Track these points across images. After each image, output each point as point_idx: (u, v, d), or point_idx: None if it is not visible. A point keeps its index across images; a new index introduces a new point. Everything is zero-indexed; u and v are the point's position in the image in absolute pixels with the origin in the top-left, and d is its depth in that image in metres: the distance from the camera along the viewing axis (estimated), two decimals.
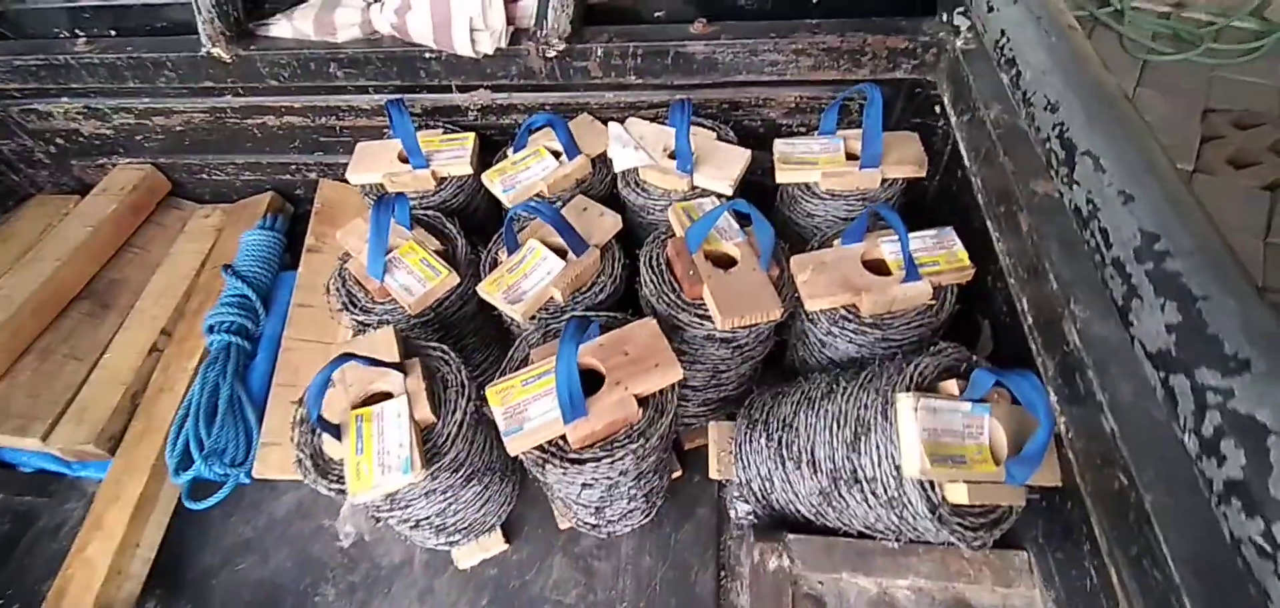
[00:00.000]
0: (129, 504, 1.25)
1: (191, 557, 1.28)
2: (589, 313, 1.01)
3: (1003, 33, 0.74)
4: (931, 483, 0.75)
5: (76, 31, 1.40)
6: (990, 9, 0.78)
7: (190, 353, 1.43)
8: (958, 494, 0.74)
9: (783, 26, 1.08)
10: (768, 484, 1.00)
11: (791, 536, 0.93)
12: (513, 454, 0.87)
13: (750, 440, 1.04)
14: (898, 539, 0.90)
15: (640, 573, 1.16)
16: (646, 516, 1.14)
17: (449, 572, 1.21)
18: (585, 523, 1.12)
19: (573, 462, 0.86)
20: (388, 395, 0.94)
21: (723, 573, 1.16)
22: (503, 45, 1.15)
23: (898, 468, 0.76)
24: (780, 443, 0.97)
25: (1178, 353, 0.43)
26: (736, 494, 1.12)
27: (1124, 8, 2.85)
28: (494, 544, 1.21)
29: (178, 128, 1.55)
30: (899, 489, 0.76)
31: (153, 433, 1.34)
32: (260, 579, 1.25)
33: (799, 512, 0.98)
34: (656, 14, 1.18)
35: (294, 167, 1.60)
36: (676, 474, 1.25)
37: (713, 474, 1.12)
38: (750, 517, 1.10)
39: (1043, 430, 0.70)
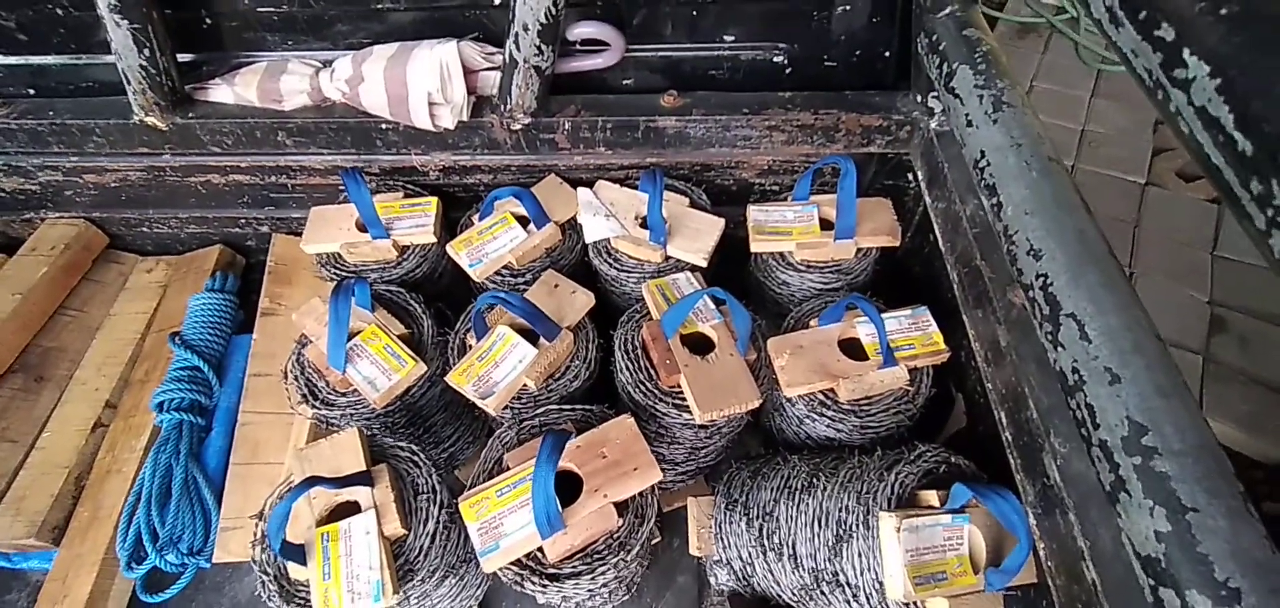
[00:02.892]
0: (77, 604, 1.18)
1: None
2: (563, 408, 0.98)
3: (982, 154, 0.72)
4: (914, 603, 0.75)
5: None
6: (969, 124, 0.76)
7: (138, 430, 1.35)
8: None
9: (754, 101, 1.05)
10: (749, 568, 1.00)
11: None
12: (488, 570, 0.84)
13: (730, 521, 1.04)
14: None
15: None
16: (627, 595, 1.13)
17: None
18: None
19: (551, 578, 0.84)
20: (355, 506, 0.90)
21: None
22: (464, 117, 1.10)
23: (881, 583, 0.76)
24: (762, 532, 0.96)
25: (1167, 566, 0.43)
26: (717, 561, 1.11)
27: (1080, 17, 2.90)
28: None
29: (112, 184, 1.44)
30: (882, 601, 0.77)
31: (100, 521, 1.26)
32: None
33: (781, 596, 0.98)
34: (625, 82, 1.13)
35: (244, 220, 1.52)
36: (655, 540, 1.24)
37: (693, 551, 1.11)
38: (730, 585, 1.10)
39: (1021, 549, 0.71)
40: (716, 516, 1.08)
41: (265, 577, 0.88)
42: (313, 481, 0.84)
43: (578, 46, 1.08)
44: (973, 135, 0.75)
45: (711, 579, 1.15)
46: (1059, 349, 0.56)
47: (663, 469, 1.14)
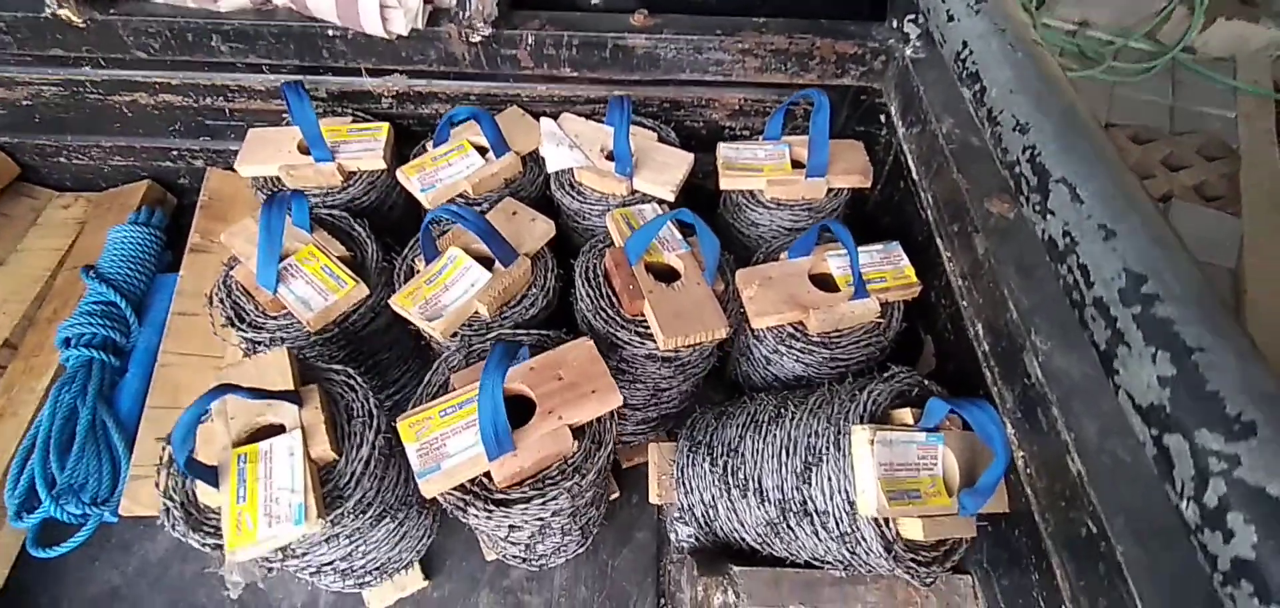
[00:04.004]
0: None
1: None
2: (518, 332, 0.91)
3: (965, 44, 0.70)
4: (886, 520, 0.71)
5: None
6: (950, 18, 0.74)
7: (40, 370, 1.21)
8: (912, 530, 0.71)
9: (728, 23, 1.01)
10: (711, 511, 0.94)
11: (736, 567, 0.87)
12: (427, 497, 0.76)
13: (693, 464, 0.98)
14: (845, 570, 0.86)
15: (575, 605, 1.07)
16: (581, 546, 1.06)
17: None
18: (514, 557, 1.02)
19: (499, 503, 0.76)
20: (279, 430, 0.81)
21: (662, 600, 1.09)
22: (419, 26, 1.02)
23: (851, 503, 0.71)
24: (726, 468, 0.91)
25: (1173, 410, 0.39)
26: (677, 517, 1.05)
27: (1036, 23, 3.01)
28: (411, 583, 1.09)
29: (24, 101, 1.30)
30: (852, 525, 0.72)
31: None
32: None
33: (744, 540, 0.92)
34: (593, 2, 1.08)
35: (176, 152, 1.39)
36: (613, 496, 1.17)
37: (654, 499, 1.05)
38: (691, 540, 1.04)
39: (998, 463, 0.67)
40: (678, 460, 1.02)
41: (170, 503, 0.77)
42: (226, 388, 0.75)
43: None
44: (954, 29, 0.72)
45: (671, 536, 1.09)
46: (1049, 217, 0.52)
47: (623, 416, 1.09)
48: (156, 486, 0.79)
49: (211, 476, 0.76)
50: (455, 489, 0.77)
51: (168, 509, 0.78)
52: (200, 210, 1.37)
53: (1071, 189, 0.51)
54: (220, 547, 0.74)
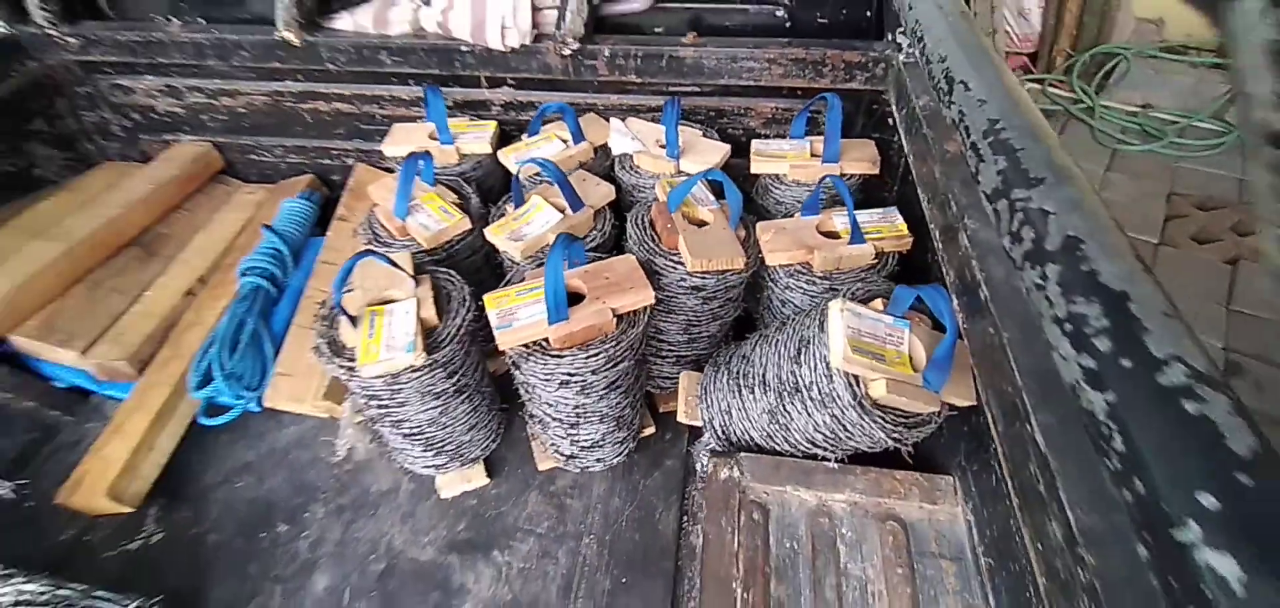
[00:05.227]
0: (149, 413, 1.37)
1: (195, 473, 1.38)
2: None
3: (917, 20, 0.94)
4: (856, 378, 0.87)
5: (170, 17, 1.66)
6: (909, 7, 0.98)
7: (222, 297, 1.59)
8: (878, 390, 0.86)
9: (758, 41, 1.30)
10: (727, 417, 1.11)
11: (743, 454, 1.03)
12: (502, 347, 1.00)
13: (714, 382, 1.16)
14: (838, 459, 1.00)
15: (608, 511, 1.24)
16: (617, 455, 1.24)
17: (432, 500, 1.30)
18: (561, 452, 1.22)
19: (553, 356, 0.99)
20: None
21: (685, 518, 1.24)
22: (527, 43, 1.38)
23: (827, 364, 0.88)
24: (737, 374, 1.09)
25: (1002, 186, 0.58)
26: (702, 448, 1.22)
27: (1095, 106, 3.12)
28: (476, 477, 1.30)
29: (241, 109, 1.78)
30: (830, 385, 0.88)
31: (179, 359, 1.47)
32: (255, 497, 1.34)
33: (752, 438, 1.08)
34: (656, 29, 1.41)
35: (334, 151, 1.82)
36: (649, 431, 1.35)
37: (680, 418, 1.23)
38: (712, 450, 1.20)
39: (949, 334, 0.83)
40: (703, 381, 1.21)
41: (321, 341, 1.06)
42: (370, 252, 1.05)
43: None
44: (911, 12, 0.96)
45: (697, 466, 1.25)
46: (952, 105, 0.72)
47: (659, 357, 1.30)
48: (313, 330, 1.09)
49: (351, 320, 1.04)
50: (522, 344, 1.00)
51: (317, 346, 1.06)
52: (347, 191, 1.77)
53: (965, 84, 0.71)
54: (352, 370, 1.01)
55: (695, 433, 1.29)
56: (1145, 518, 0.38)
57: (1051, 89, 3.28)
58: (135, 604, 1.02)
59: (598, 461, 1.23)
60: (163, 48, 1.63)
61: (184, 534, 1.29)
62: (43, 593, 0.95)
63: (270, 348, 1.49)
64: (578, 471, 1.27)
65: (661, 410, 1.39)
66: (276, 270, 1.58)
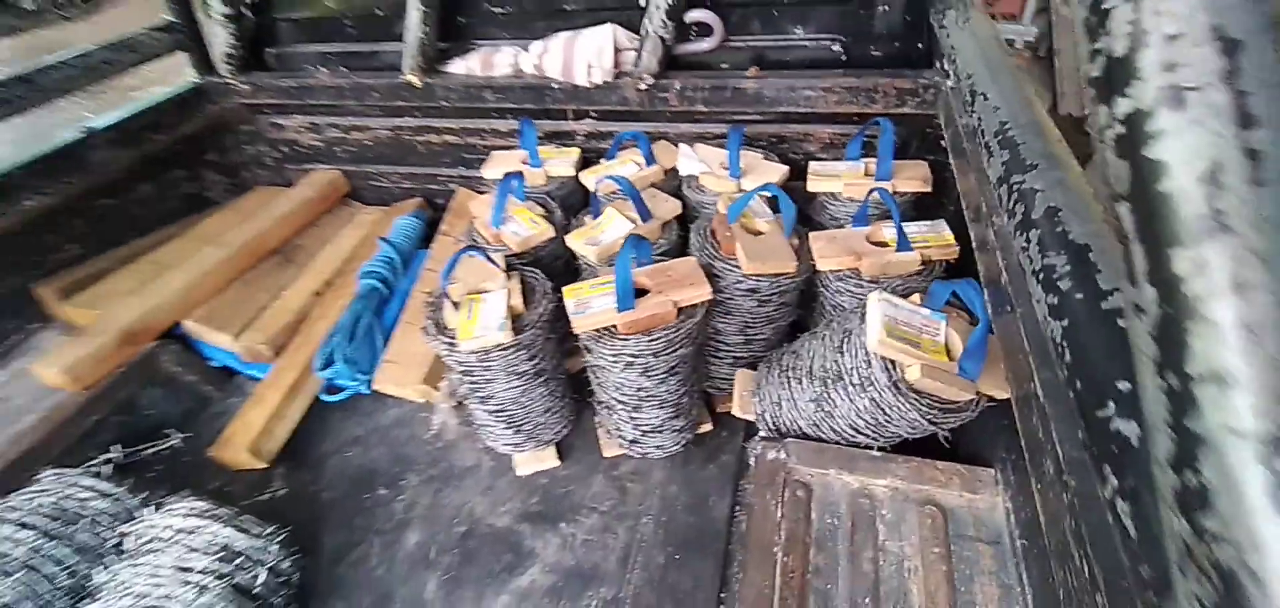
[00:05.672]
0: (282, 389, 1.63)
1: (314, 442, 1.62)
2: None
3: (953, 46, 1.04)
4: (892, 362, 0.95)
5: (320, 67, 2.01)
6: (944, 31, 1.09)
7: (343, 296, 1.86)
8: (913, 373, 0.94)
9: (816, 71, 1.43)
10: (777, 408, 1.20)
11: (791, 439, 1.12)
12: (576, 330, 1.16)
13: (766, 376, 1.26)
14: (880, 448, 1.07)
15: (666, 496, 1.35)
16: (675, 443, 1.35)
17: (509, 476, 1.46)
18: (624, 437, 1.35)
19: (620, 340, 1.13)
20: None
21: (737, 507, 1.32)
22: (609, 80, 1.58)
23: (866, 349, 0.97)
24: (787, 368, 1.18)
25: (1004, 173, 0.67)
26: (756, 443, 1.31)
27: None
28: (548, 459, 1.45)
29: (367, 141, 2.10)
30: (868, 369, 0.97)
31: (308, 346, 1.74)
32: (362, 465, 1.56)
33: (800, 427, 1.17)
34: (722, 65, 1.57)
35: (440, 178, 2.10)
36: (706, 427, 1.46)
37: (735, 410, 1.33)
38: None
39: (981, 324, 0.90)
40: (757, 377, 1.31)
41: (429, 321, 1.26)
42: (473, 247, 1.25)
43: (692, 30, 1.54)
44: (949, 40, 1.06)
45: (749, 461, 1.34)
46: (974, 116, 0.82)
47: (717, 358, 1.41)
48: (423, 315, 1.29)
49: (453, 305, 1.24)
50: (593, 328, 1.16)
51: (426, 327, 1.26)
52: (449, 211, 2.03)
53: (984, 95, 0.81)
54: (453, 345, 1.20)
55: (750, 431, 1.38)
56: (1081, 407, 0.46)
57: None
58: (270, 530, 1.22)
59: (657, 447, 1.35)
60: (311, 92, 1.97)
61: (304, 491, 1.51)
62: (207, 509, 1.18)
63: (381, 340, 1.72)
64: (639, 456, 1.39)
65: (719, 410, 1.49)
66: (389, 275, 1.84)
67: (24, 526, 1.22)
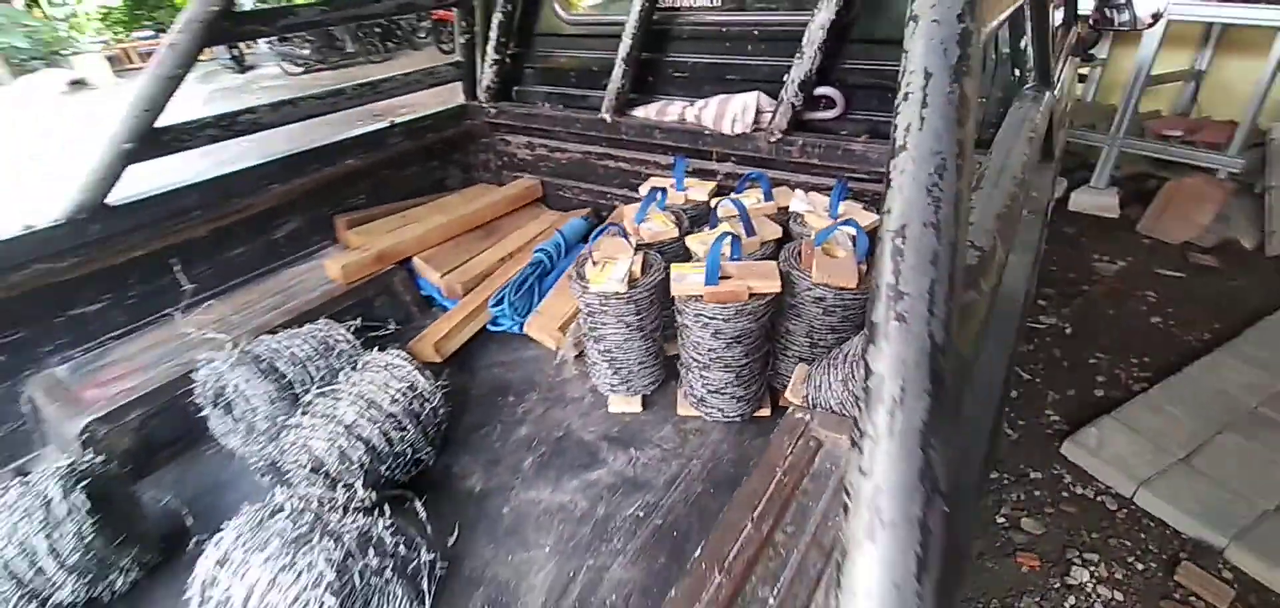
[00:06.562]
0: (464, 314, 2.22)
1: (475, 357, 2.15)
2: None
3: None
4: None
5: (545, 103, 2.71)
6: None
7: (520, 262, 2.46)
8: None
9: None
10: (818, 391, 1.44)
11: (819, 409, 1.35)
12: (674, 293, 1.53)
13: (817, 367, 1.50)
14: None
15: (717, 450, 1.62)
16: (736, 411, 1.63)
17: (602, 409, 1.83)
18: (694, 394, 1.66)
19: (703, 305, 1.48)
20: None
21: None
22: (747, 131, 1.99)
23: None
24: (832, 358, 1.42)
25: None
26: (793, 409, 1.54)
27: None
28: (634, 405, 1.81)
29: (563, 161, 2.74)
30: None
31: (487, 291, 2.33)
32: (502, 378, 2.05)
33: (831, 406, 1.39)
34: (842, 132, 1.89)
35: (608, 195, 2.65)
36: (765, 412, 1.70)
37: (787, 396, 1.57)
38: None
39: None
40: (812, 369, 1.55)
41: (573, 273, 1.73)
42: (613, 225, 1.70)
43: (821, 102, 1.90)
44: None
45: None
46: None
47: (785, 356, 1.68)
48: (569, 276, 1.77)
49: (594, 264, 1.70)
50: (686, 295, 1.52)
51: (570, 275, 1.73)
52: (610, 218, 2.56)
53: None
54: (586, 287, 1.64)
55: None
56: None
57: None
58: (439, 381, 1.74)
59: (719, 409, 1.63)
60: (535, 120, 2.67)
61: (462, 386, 2.04)
62: (404, 357, 1.73)
63: (538, 298, 2.26)
64: (705, 416, 1.68)
65: (780, 403, 1.73)
66: (554, 254, 2.40)
67: (305, 342, 1.89)
